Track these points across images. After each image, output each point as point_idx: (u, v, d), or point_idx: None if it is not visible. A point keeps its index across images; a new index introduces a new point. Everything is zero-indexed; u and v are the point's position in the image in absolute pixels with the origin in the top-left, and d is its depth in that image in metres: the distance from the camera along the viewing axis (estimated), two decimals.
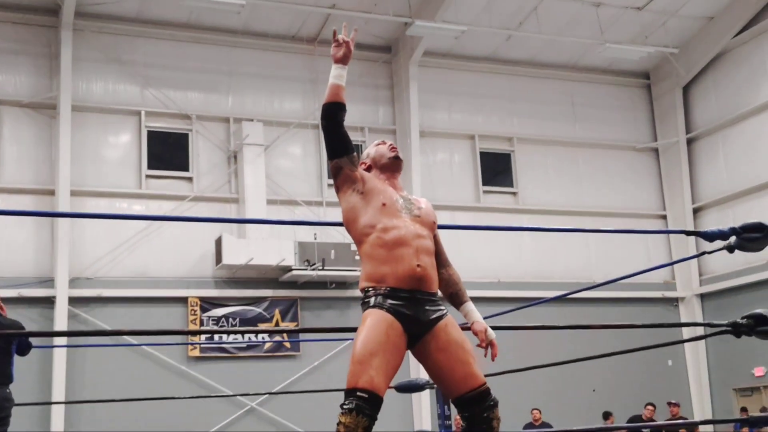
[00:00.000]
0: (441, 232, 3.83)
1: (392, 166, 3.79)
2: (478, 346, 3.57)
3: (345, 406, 3.27)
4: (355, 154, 3.72)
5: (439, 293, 3.68)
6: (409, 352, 3.55)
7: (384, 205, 3.56)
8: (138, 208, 14.75)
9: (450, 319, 3.55)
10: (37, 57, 14.59)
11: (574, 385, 15.95)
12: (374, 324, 3.39)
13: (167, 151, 15.28)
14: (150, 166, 14.98)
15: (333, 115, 3.68)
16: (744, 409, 15.37)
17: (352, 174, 3.67)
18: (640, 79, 18.96)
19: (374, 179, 3.70)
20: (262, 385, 14.20)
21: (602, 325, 3.89)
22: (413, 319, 3.43)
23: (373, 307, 3.44)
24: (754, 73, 16.83)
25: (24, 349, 5.92)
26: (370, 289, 3.50)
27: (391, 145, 3.88)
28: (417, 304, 3.45)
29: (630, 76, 18.84)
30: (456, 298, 3.71)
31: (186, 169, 15.28)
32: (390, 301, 3.44)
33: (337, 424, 3.26)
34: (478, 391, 3.43)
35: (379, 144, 3.91)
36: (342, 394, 3.39)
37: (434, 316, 3.50)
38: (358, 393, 3.27)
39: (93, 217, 11.81)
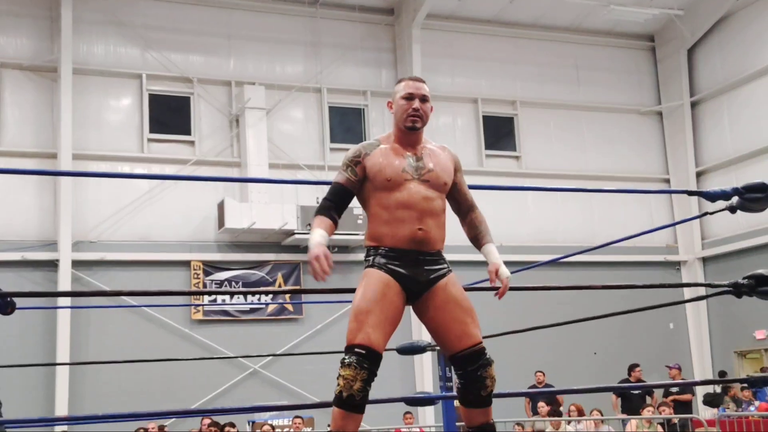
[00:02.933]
0: None
1: (405, 133, 3.71)
2: (491, 282, 3.58)
3: (345, 361, 3.35)
4: (344, 183, 3.68)
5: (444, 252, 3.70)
6: (412, 314, 3.58)
7: (389, 180, 3.55)
8: (140, 171, 14.73)
9: (452, 278, 3.56)
10: (37, 19, 14.50)
11: (575, 348, 16.03)
12: (371, 283, 3.44)
13: (169, 115, 15.23)
14: (152, 130, 14.95)
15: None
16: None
17: (358, 178, 3.65)
18: (644, 41, 18.81)
19: (377, 155, 3.63)
20: (265, 348, 14.29)
21: (603, 286, 3.91)
22: (411, 279, 3.48)
23: (372, 266, 3.50)
24: (759, 35, 16.67)
25: (4, 307, 5.87)
26: (370, 248, 3.56)
27: (413, 109, 3.70)
28: (416, 264, 3.48)
29: (634, 39, 18.69)
30: (477, 241, 3.77)
31: (188, 132, 15.24)
32: (387, 260, 3.48)
33: (338, 378, 3.34)
34: (472, 350, 3.46)
35: (404, 98, 3.72)
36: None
37: (434, 275, 3.52)
38: (356, 349, 3.34)
39: (95, 176, 11.87)
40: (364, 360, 3.32)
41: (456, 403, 9.86)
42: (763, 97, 16.61)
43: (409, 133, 3.68)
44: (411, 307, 3.59)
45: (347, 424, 3.32)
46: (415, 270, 3.47)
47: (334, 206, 3.61)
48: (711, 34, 17.69)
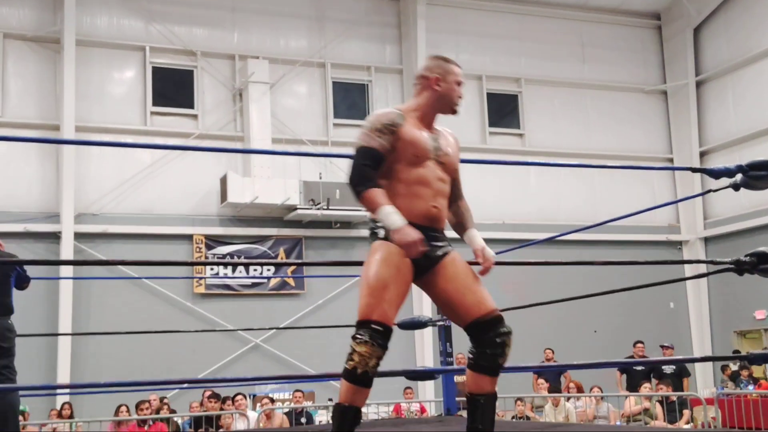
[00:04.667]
0: None
1: (438, 113, 3.74)
2: (475, 263, 3.59)
3: (360, 337, 3.26)
4: (379, 149, 3.51)
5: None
6: (415, 289, 3.56)
7: (416, 156, 3.52)
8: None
9: (457, 254, 3.57)
10: None
11: (576, 327, 16.08)
12: (387, 257, 3.36)
13: (172, 88, 15.20)
14: (155, 103, 14.93)
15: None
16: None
17: (389, 148, 3.53)
18: (650, 20, 18.71)
19: (409, 128, 3.57)
20: (267, 322, 14.37)
21: (603, 262, 3.91)
22: (424, 254, 3.42)
23: (384, 239, 3.41)
24: (765, 15, 16.57)
25: (22, 282, 5.97)
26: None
27: (460, 95, 3.81)
28: (428, 240, 3.44)
29: (640, 17, 18.59)
30: (461, 227, 3.73)
31: (191, 106, 15.22)
32: None
33: (351, 354, 3.25)
34: (492, 316, 3.42)
35: (456, 81, 3.78)
36: (349, 328, 3.38)
37: (442, 251, 3.52)
38: (373, 325, 3.26)
39: (97, 145, 11.83)
40: (380, 337, 3.26)
41: (457, 378, 9.89)
42: (767, 78, 16.54)
43: (440, 115, 3.72)
44: (415, 283, 3.56)
45: (357, 398, 3.29)
46: (426, 244, 3.41)
47: (375, 175, 3.46)
48: (717, 13, 17.60)
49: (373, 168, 3.45)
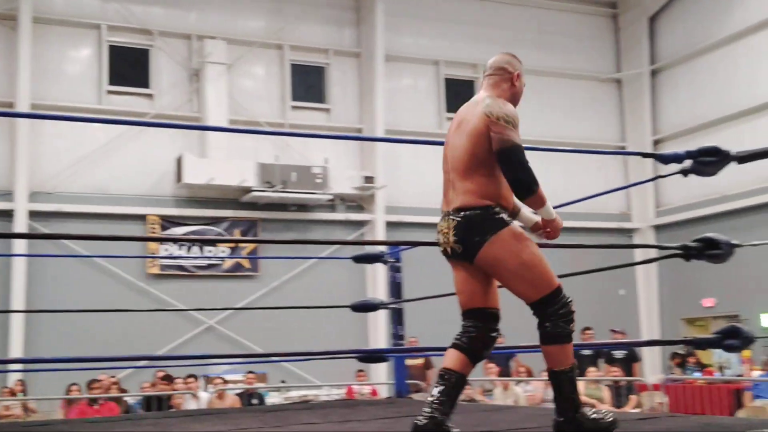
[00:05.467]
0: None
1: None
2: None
3: (567, 298, 3.52)
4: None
5: None
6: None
7: None
8: (98, 124, 14.57)
9: None
10: None
11: (527, 311, 16.22)
12: (527, 237, 3.53)
13: (128, 67, 15.03)
14: (111, 82, 14.77)
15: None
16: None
17: None
18: (606, 8, 18.91)
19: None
20: (221, 304, 14.36)
21: (554, 245, 3.99)
22: None
23: (508, 222, 3.50)
24: (720, 5, 16.80)
25: None
26: (499, 206, 3.50)
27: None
28: None
29: (597, 5, 18.78)
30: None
31: (147, 86, 15.07)
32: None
33: (570, 314, 3.49)
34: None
35: (521, 85, 3.94)
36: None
37: None
38: (561, 288, 3.53)
39: (52, 119, 11.73)
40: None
41: (408, 360, 9.95)
42: (722, 68, 16.82)
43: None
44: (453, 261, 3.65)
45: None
46: None
47: None
48: (673, 3, 17.82)
49: None
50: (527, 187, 3.42)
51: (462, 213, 3.47)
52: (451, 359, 3.50)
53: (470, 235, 3.44)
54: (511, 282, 3.50)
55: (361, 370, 12.75)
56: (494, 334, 3.60)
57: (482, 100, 3.65)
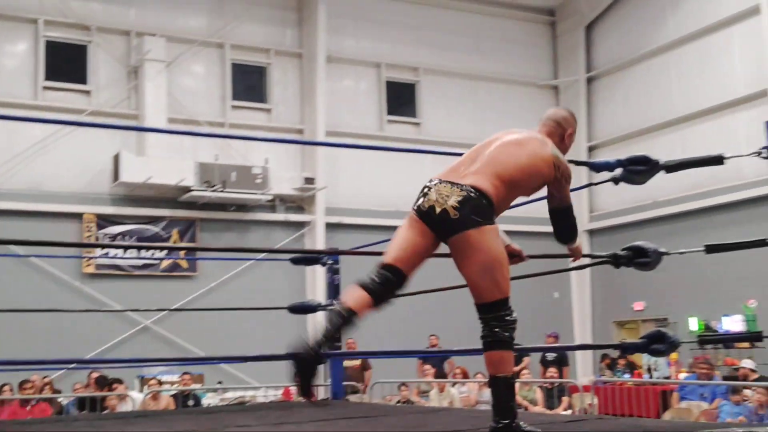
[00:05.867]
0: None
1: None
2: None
3: (511, 310, 3.59)
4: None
5: None
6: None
7: None
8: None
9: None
10: None
11: (462, 314, 16.39)
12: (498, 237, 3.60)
13: (65, 63, 14.79)
14: (47, 78, 14.52)
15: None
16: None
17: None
18: (545, 15, 19.23)
19: None
20: (158, 304, 14.13)
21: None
22: None
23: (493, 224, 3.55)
24: (654, 15, 17.23)
25: None
26: (492, 209, 3.56)
27: None
28: None
29: (535, 12, 19.09)
30: None
31: (84, 82, 14.85)
32: None
33: (509, 325, 3.56)
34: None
35: (570, 143, 4.09)
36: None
37: None
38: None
39: None
40: None
41: (345, 362, 10.00)
42: (655, 77, 17.25)
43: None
44: None
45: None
46: None
47: None
48: (609, 12, 18.23)
49: None
50: (576, 235, 4.02)
51: (476, 192, 3.51)
52: (356, 299, 3.46)
53: (473, 212, 3.46)
54: (477, 274, 3.51)
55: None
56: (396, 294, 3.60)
57: (548, 143, 3.83)
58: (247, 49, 16.18)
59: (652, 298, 16.42)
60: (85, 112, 14.48)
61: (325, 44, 16.25)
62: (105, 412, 9.87)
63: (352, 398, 9.33)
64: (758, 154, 3.95)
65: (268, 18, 16.35)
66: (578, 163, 5.23)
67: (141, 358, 9.01)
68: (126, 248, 14.86)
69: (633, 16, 17.75)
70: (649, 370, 13.54)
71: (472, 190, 3.50)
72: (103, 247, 14.47)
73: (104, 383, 10.76)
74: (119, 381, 10.88)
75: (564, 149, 3.96)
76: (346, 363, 10.76)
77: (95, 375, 11.15)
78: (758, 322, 13.74)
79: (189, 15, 15.79)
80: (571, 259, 4.12)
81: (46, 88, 14.50)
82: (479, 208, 3.47)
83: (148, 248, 15.01)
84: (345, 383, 7.79)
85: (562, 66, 19.07)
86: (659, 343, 4.22)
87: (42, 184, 14.14)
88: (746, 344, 13.54)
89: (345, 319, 3.40)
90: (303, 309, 6.94)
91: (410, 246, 3.60)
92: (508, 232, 3.93)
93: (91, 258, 14.18)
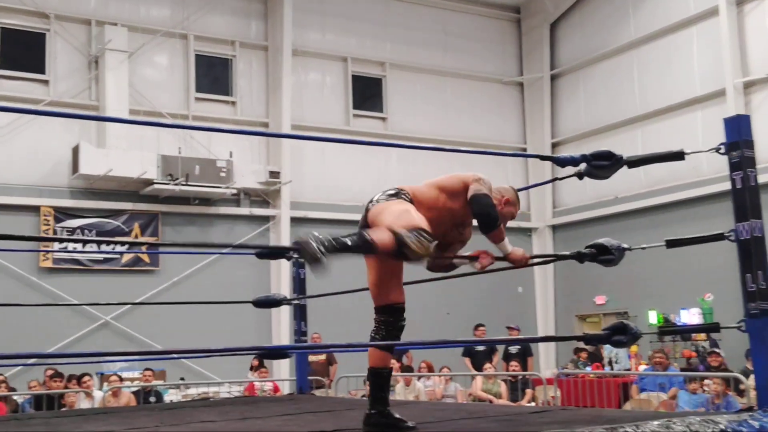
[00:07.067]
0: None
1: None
2: None
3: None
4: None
5: None
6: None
7: None
8: None
9: None
10: None
11: (429, 308, 16.44)
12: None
13: (22, 51, 14.48)
14: (3, 66, 14.21)
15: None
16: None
17: None
18: (511, 13, 19.30)
19: None
20: (118, 299, 13.92)
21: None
22: None
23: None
24: (618, 14, 17.41)
25: None
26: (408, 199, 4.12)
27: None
28: None
29: (501, 10, 19.15)
30: None
31: (42, 71, 14.56)
32: None
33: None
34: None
35: (516, 204, 4.33)
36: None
37: None
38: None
39: None
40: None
41: (311, 357, 9.91)
42: (617, 75, 17.42)
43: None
44: None
45: None
46: None
47: None
48: (573, 10, 18.37)
49: None
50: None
51: None
52: (383, 240, 3.46)
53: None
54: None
55: (263, 367, 12.66)
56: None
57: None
58: (212, 40, 16.00)
59: (613, 292, 16.61)
60: (43, 102, 14.20)
61: (291, 37, 16.12)
62: (63, 410, 9.69)
63: (318, 392, 9.27)
64: (717, 150, 3.99)
65: (234, 9, 16.19)
66: (543, 158, 5.25)
67: (100, 352, 8.83)
68: (85, 242, 14.68)
69: (596, 15, 17.90)
70: (610, 362, 13.70)
71: None
72: (61, 241, 14.18)
73: (68, 380, 10.58)
74: (88, 375, 10.71)
75: (504, 214, 4.20)
76: (312, 357, 10.68)
77: (50, 372, 10.93)
78: (714, 316, 13.96)
79: (152, 4, 15.56)
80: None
81: (2, 77, 14.20)
82: None
83: (108, 243, 14.84)
84: (310, 377, 7.71)
85: (527, 63, 19.15)
86: (621, 334, 4.24)
87: None
88: (703, 336, 13.83)
89: (366, 244, 3.38)
90: (268, 303, 6.85)
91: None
92: (475, 227, 3.98)
93: (48, 252, 13.90)
